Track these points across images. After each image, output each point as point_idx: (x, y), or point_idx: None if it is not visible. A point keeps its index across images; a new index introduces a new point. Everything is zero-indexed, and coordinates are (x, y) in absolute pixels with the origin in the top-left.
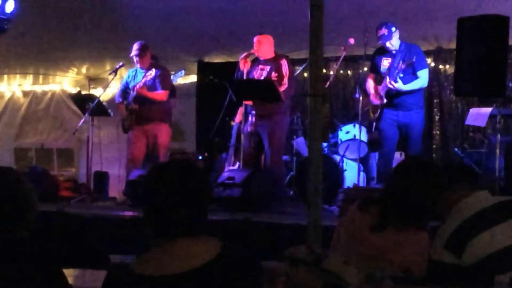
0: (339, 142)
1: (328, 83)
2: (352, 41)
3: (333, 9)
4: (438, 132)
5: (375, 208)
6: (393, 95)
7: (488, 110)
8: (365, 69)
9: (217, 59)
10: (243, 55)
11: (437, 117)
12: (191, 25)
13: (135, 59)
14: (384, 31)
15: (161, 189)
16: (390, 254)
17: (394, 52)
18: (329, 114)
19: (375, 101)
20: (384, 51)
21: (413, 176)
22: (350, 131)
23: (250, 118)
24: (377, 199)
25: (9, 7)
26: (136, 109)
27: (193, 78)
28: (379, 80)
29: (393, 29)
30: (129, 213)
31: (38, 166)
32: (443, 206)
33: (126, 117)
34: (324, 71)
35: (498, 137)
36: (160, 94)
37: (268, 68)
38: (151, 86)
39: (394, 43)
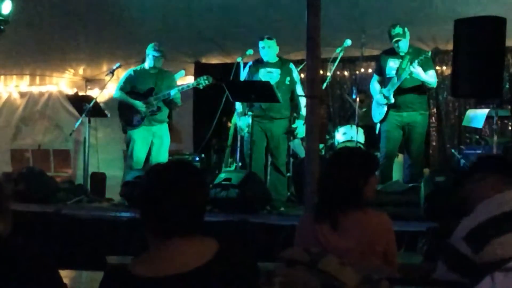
0: (336, 143)
1: (325, 84)
2: (349, 42)
3: (330, 10)
4: (435, 133)
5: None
6: (400, 95)
7: (485, 111)
8: (362, 70)
9: (214, 60)
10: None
11: (434, 118)
12: (188, 26)
13: (155, 59)
14: (399, 29)
15: (158, 190)
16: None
17: (402, 54)
18: (326, 115)
19: (380, 102)
20: (392, 53)
21: (336, 164)
22: (347, 132)
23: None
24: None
25: (6, 8)
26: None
27: (190, 79)
28: (384, 82)
29: (406, 29)
30: (126, 214)
31: (35, 167)
32: (472, 196)
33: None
34: (321, 72)
35: (495, 138)
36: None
37: (276, 71)
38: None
39: (404, 45)
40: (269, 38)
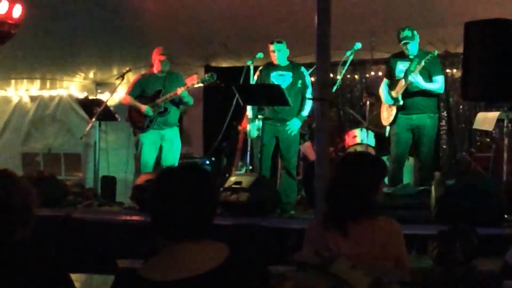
0: (346, 146)
1: (335, 87)
2: (359, 45)
3: (340, 14)
4: (445, 136)
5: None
6: (409, 98)
7: (495, 114)
8: (372, 73)
9: (224, 63)
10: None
11: (444, 121)
12: (198, 29)
13: (161, 63)
14: (407, 32)
15: (168, 194)
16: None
17: (411, 57)
18: (336, 118)
19: (389, 105)
20: (401, 56)
21: (346, 172)
22: (357, 135)
23: (257, 123)
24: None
25: (17, 12)
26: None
27: None
28: (393, 85)
29: (415, 32)
30: (136, 218)
31: (45, 171)
32: None
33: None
34: (331, 75)
35: (506, 141)
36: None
37: (288, 74)
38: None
39: (414, 47)
40: (279, 42)
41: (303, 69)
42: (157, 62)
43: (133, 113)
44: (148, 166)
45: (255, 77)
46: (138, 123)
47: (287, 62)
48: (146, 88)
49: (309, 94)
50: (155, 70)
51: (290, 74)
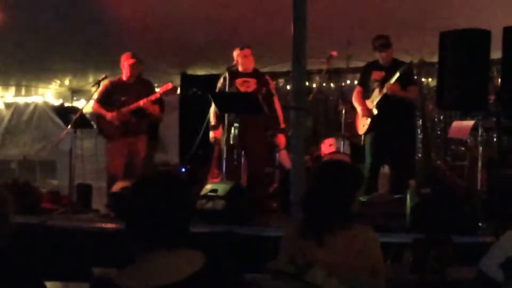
0: (322, 154)
1: (311, 96)
2: (334, 53)
3: (316, 22)
4: (420, 145)
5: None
6: (383, 107)
7: (470, 123)
8: (348, 81)
9: (200, 71)
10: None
11: (419, 130)
12: (174, 37)
13: (130, 68)
14: (383, 40)
15: (144, 202)
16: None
17: (386, 66)
18: (312, 127)
19: (363, 115)
20: (375, 65)
21: (323, 181)
22: (333, 144)
23: (232, 131)
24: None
25: None
26: (131, 121)
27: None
28: (367, 94)
29: (390, 41)
30: (112, 226)
31: (20, 178)
32: None
33: (109, 126)
34: (307, 83)
35: (480, 150)
36: (158, 113)
37: (252, 81)
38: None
39: (388, 57)
40: (243, 48)
41: (268, 77)
42: (126, 67)
43: (101, 120)
44: (117, 174)
45: (219, 84)
46: (106, 130)
47: (252, 69)
48: (114, 95)
49: (276, 101)
50: (124, 76)
51: (254, 80)
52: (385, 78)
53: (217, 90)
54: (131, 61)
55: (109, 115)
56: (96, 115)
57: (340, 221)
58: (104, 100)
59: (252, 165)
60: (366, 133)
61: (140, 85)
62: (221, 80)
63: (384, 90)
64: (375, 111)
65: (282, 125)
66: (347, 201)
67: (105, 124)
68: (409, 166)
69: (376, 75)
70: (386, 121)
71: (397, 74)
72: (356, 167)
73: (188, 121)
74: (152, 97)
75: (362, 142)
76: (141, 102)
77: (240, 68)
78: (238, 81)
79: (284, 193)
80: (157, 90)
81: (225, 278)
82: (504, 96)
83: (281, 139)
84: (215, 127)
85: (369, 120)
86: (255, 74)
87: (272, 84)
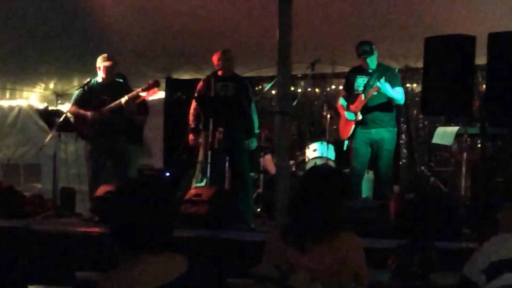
0: (306, 159)
1: (295, 101)
2: (320, 59)
3: (301, 28)
4: (404, 151)
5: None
6: (367, 112)
7: (454, 129)
8: (333, 87)
9: (185, 75)
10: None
11: (403, 136)
12: (159, 41)
13: (106, 70)
14: (366, 47)
15: (128, 206)
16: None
17: (370, 71)
18: (296, 132)
19: (348, 119)
20: (360, 70)
21: (310, 189)
22: (317, 149)
23: (217, 135)
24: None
25: None
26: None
27: (161, 94)
28: (352, 99)
29: (374, 47)
30: (95, 230)
31: (3, 182)
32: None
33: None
34: (292, 88)
35: (464, 156)
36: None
37: (232, 85)
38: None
39: (372, 62)
40: (222, 52)
41: (247, 83)
42: (102, 68)
43: (79, 122)
44: (98, 176)
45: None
46: (84, 131)
47: (232, 74)
48: (92, 96)
49: (253, 107)
50: (101, 78)
51: (233, 84)
52: (369, 83)
53: (196, 94)
54: (107, 63)
55: (89, 114)
56: (74, 117)
57: (326, 228)
58: (81, 101)
59: (236, 169)
60: (349, 138)
61: (116, 85)
62: (201, 83)
63: (377, 86)
64: (359, 117)
65: (256, 130)
66: (334, 209)
67: (83, 125)
68: (393, 172)
69: (361, 80)
70: (369, 127)
71: (382, 79)
72: (343, 172)
73: (173, 125)
74: (133, 94)
75: (345, 147)
76: (123, 100)
77: (219, 72)
78: (218, 84)
79: (268, 198)
80: (141, 92)
81: (209, 282)
82: (488, 102)
83: (251, 143)
84: (193, 130)
85: (352, 125)
86: (234, 78)
87: (250, 89)
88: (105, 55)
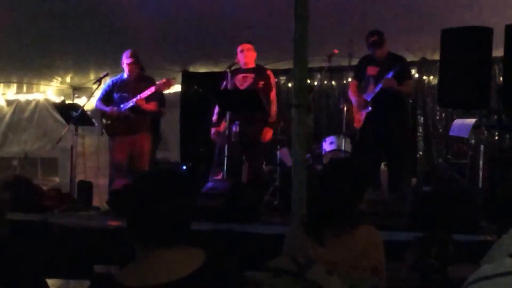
0: (323, 152)
1: (312, 93)
2: (336, 51)
3: (318, 20)
4: (422, 143)
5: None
6: (379, 102)
7: (471, 121)
8: (349, 79)
9: (202, 68)
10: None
11: (420, 128)
12: (176, 34)
13: (129, 67)
14: (376, 37)
15: (145, 200)
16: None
17: (381, 61)
18: (313, 124)
19: (359, 108)
20: (370, 60)
21: (331, 181)
22: (334, 142)
23: (233, 128)
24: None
25: None
26: (131, 118)
27: (177, 87)
28: (363, 88)
29: (383, 36)
30: (113, 223)
31: (21, 175)
32: None
33: (111, 123)
34: (308, 81)
35: (482, 148)
36: (155, 109)
37: (251, 76)
38: (147, 98)
39: (383, 52)
40: (242, 43)
41: (269, 71)
42: (125, 66)
43: (104, 118)
44: (120, 171)
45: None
46: (109, 128)
47: (253, 65)
48: (115, 92)
49: (273, 95)
50: (125, 74)
51: (253, 75)
52: (379, 73)
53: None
54: (129, 60)
55: (109, 110)
56: (100, 113)
57: (346, 222)
58: (106, 98)
59: (252, 162)
60: (361, 128)
61: (140, 82)
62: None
63: (382, 84)
64: (369, 107)
65: (272, 119)
66: (355, 202)
67: (108, 121)
68: (408, 163)
69: (371, 70)
70: (380, 117)
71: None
72: (363, 166)
73: (189, 119)
74: (144, 95)
75: (358, 138)
76: (135, 100)
77: (240, 64)
78: (239, 77)
79: (285, 191)
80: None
81: (225, 276)
82: (506, 94)
83: (266, 133)
84: (216, 124)
85: (363, 115)
86: (256, 69)
87: (273, 78)
88: (128, 52)
